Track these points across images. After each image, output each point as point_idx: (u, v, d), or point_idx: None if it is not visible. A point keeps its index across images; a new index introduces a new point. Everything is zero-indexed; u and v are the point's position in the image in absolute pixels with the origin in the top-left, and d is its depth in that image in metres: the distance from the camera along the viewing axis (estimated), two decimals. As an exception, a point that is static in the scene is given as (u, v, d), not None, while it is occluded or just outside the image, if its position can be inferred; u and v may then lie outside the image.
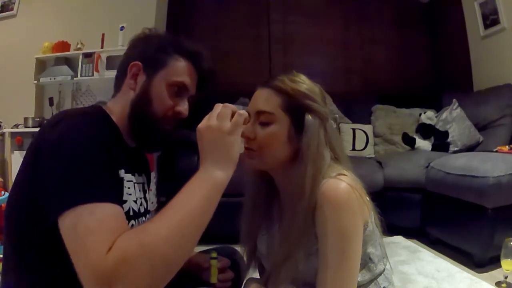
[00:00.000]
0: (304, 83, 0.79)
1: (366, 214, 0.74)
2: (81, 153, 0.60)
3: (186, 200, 0.58)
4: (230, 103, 0.68)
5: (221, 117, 0.63)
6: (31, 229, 0.65)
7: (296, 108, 0.76)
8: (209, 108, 0.67)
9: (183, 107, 0.81)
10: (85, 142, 0.62)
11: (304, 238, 0.73)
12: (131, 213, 0.77)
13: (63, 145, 0.61)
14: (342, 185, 0.70)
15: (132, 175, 0.79)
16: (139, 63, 0.79)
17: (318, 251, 0.72)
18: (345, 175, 0.73)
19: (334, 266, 0.69)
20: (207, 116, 0.65)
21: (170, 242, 0.54)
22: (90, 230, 0.53)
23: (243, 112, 0.66)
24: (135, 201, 0.80)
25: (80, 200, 0.55)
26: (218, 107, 0.65)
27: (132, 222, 0.77)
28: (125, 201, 0.75)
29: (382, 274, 0.82)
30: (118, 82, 0.83)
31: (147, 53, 0.80)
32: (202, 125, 0.64)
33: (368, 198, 0.77)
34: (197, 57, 0.83)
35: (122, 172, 0.75)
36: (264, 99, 0.78)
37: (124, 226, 0.58)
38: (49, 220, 0.58)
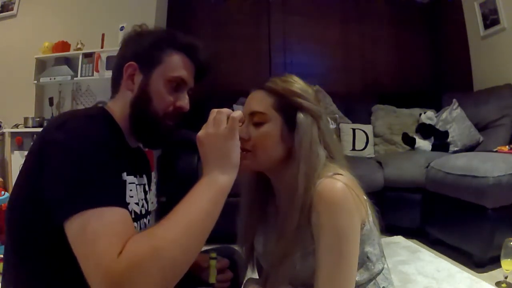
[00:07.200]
0: (295, 83, 0.80)
1: (363, 213, 0.74)
2: (88, 158, 0.60)
3: (192, 204, 0.60)
4: (230, 103, 0.68)
5: (217, 124, 0.65)
6: (32, 229, 0.65)
7: (287, 107, 0.77)
8: (211, 107, 0.67)
9: (184, 101, 0.81)
10: (91, 147, 0.62)
11: (300, 238, 0.73)
12: (133, 215, 0.77)
13: (69, 149, 0.61)
14: (338, 184, 0.70)
15: (134, 177, 0.79)
16: (134, 63, 0.78)
17: (315, 251, 0.72)
18: (341, 174, 0.73)
19: (331, 266, 0.69)
20: (205, 124, 0.66)
21: (179, 245, 0.55)
22: (99, 234, 0.54)
23: (237, 114, 0.66)
24: (137, 203, 0.80)
25: (88, 204, 0.56)
26: (213, 113, 0.67)
27: (134, 224, 0.77)
28: (127, 204, 0.75)
29: (381, 274, 0.82)
30: (115, 84, 0.82)
31: (141, 52, 0.79)
32: (201, 133, 0.66)
33: (365, 197, 0.77)
34: (192, 49, 0.82)
35: (124, 175, 0.75)
36: (257, 100, 0.79)
37: (132, 230, 0.59)
38: (54, 223, 0.58)
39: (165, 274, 0.53)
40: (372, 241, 0.78)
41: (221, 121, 0.65)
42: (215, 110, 0.67)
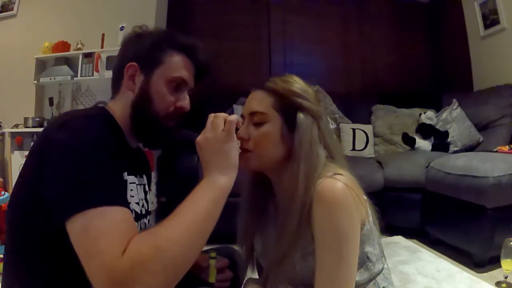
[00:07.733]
0: (295, 83, 0.80)
1: (363, 213, 0.74)
2: (88, 158, 0.60)
3: (194, 205, 0.61)
4: (230, 103, 0.69)
5: (215, 128, 0.67)
6: (33, 229, 0.65)
7: (288, 107, 0.77)
8: (211, 107, 0.68)
9: (185, 101, 0.81)
10: (92, 147, 0.62)
11: (299, 238, 0.73)
12: (133, 215, 0.77)
13: (70, 149, 0.61)
14: (338, 184, 0.70)
15: (134, 176, 0.80)
16: (135, 63, 0.79)
17: (315, 251, 0.72)
18: (341, 174, 0.73)
19: (331, 266, 0.69)
20: (204, 129, 0.69)
21: (181, 245, 0.56)
22: (102, 233, 0.54)
23: (234, 118, 0.69)
24: (137, 203, 0.80)
25: (90, 204, 0.56)
26: (211, 117, 0.69)
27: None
28: (129, 203, 0.75)
29: (381, 274, 0.82)
30: (115, 84, 0.83)
31: (141, 52, 0.79)
32: (200, 138, 0.68)
33: (365, 197, 0.77)
34: (192, 50, 0.83)
35: (125, 175, 0.75)
36: (257, 100, 0.79)
37: (134, 229, 0.60)
38: (54, 223, 0.58)
39: (167, 273, 0.54)
40: (372, 241, 0.78)
41: (218, 125, 0.68)
42: (212, 114, 0.69)
